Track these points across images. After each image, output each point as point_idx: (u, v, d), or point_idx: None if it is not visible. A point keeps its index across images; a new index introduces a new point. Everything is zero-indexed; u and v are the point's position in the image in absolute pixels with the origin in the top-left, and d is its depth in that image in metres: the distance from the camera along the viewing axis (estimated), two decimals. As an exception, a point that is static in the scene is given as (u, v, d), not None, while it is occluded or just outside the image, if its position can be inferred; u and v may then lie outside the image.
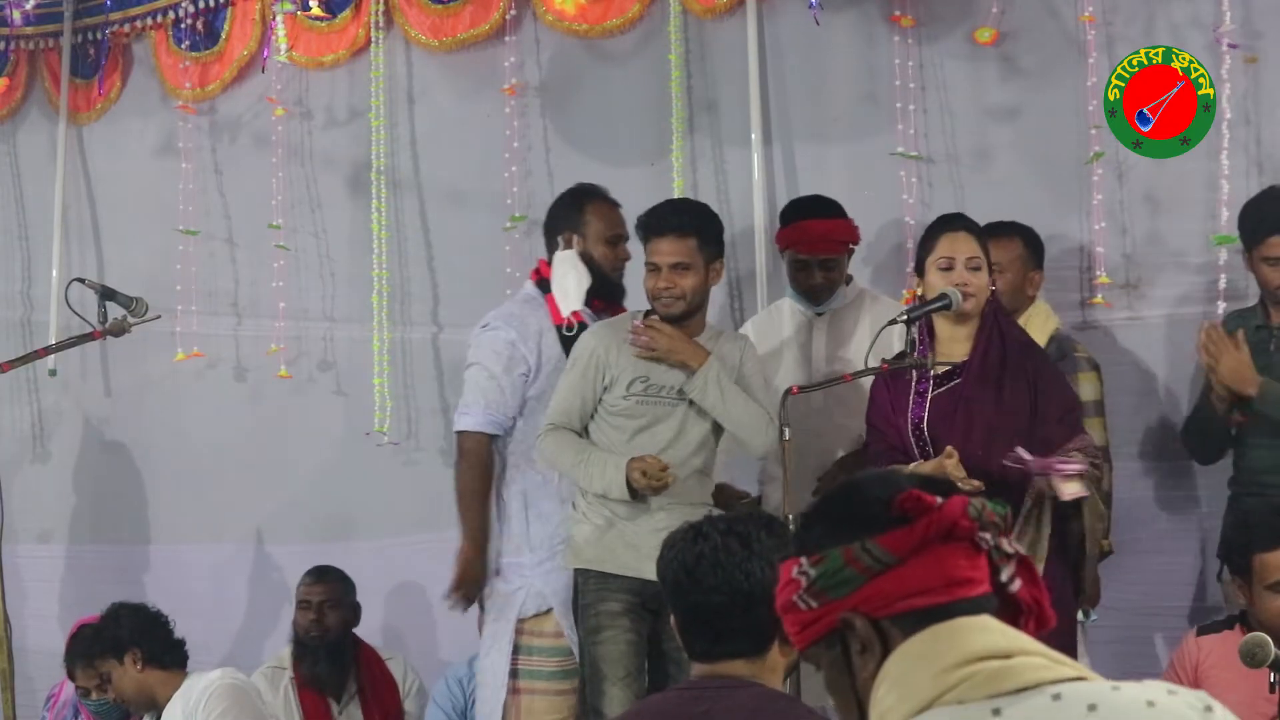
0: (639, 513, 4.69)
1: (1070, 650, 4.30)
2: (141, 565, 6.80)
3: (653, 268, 4.70)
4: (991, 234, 4.97)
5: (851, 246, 5.13)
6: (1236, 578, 4.52)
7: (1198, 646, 4.60)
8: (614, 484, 4.63)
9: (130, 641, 5.21)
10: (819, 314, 5.12)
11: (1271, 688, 3.58)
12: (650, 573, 4.60)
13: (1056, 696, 1.74)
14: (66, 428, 7.12)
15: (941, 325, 4.40)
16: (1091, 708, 1.73)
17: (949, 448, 4.22)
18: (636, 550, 4.63)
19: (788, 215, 5.20)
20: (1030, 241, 5.09)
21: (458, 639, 6.02)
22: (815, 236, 5.06)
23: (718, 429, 4.78)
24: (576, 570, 4.78)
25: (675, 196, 5.71)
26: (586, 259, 5.01)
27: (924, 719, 1.74)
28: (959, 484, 4.07)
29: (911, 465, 4.32)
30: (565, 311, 4.99)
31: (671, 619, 2.87)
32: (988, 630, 1.81)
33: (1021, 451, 4.19)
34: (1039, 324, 4.95)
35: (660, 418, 4.72)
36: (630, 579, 4.66)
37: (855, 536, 1.83)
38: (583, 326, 4.99)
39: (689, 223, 4.74)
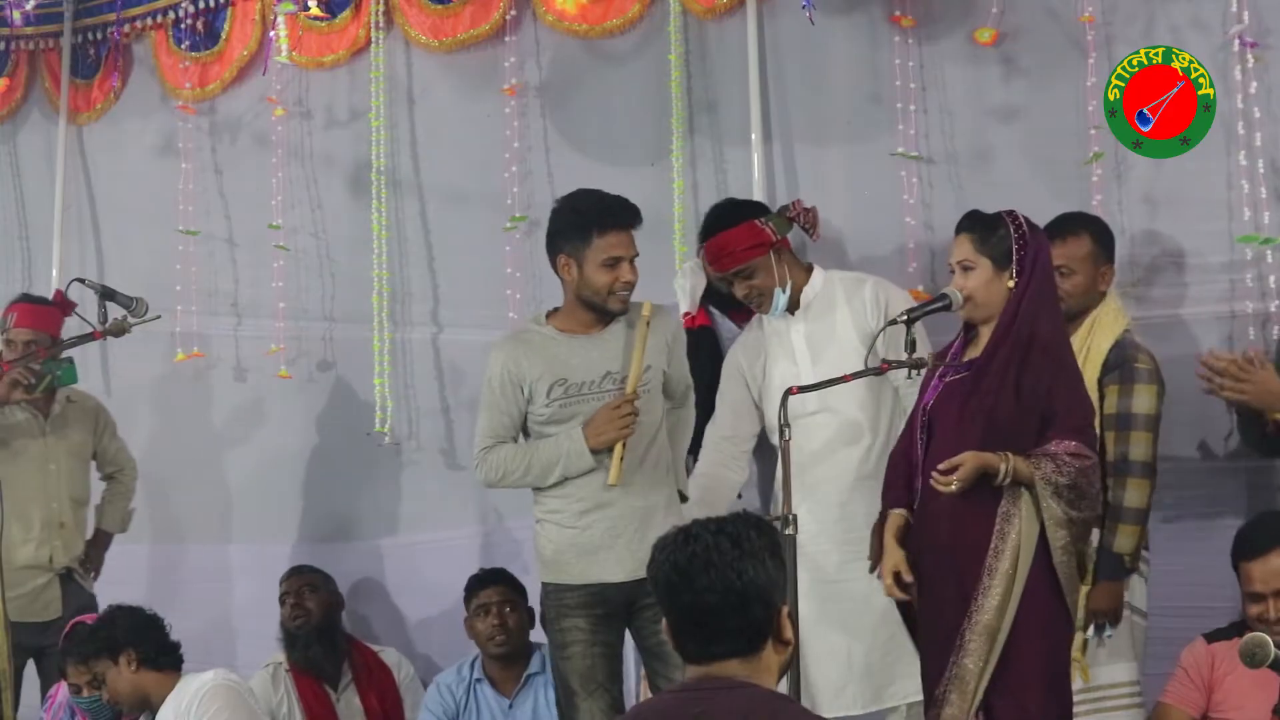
0: (587, 514, 4.63)
1: (1063, 667, 4.28)
2: (141, 565, 6.79)
3: (615, 261, 4.63)
4: (1057, 233, 4.83)
5: (767, 246, 4.95)
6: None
7: (1210, 654, 4.59)
8: (574, 454, 4.59)
9: (125, 643, 5.20)
10: (791, 315, 5.03)
11: (1285, 692, 3.57)
12: (609, 575, 4.60)
13: None
14: (67, 428, 7.12)
15: (971, 325, 4.42)
16: None
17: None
18: (592, 555, 4.62)
19: (701, 231, 5.13)
20: (1099, 235, 4.93)
21: (454, 639, 6.02)
22: (714, 254, 5.02)
23: (659, 418, 4.73)
24: (542, 584, 4.76)
25: (677, 196, 5.74)
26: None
27: None
28: None
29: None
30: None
31: (663, 621, 2.86)
32: None
33: None
34: (1107, 324, 4.82)
35: (590, 414, 4.62)
36: (588, 586, 4.64)
37: None
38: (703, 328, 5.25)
39: (636, 213, 4.72)
